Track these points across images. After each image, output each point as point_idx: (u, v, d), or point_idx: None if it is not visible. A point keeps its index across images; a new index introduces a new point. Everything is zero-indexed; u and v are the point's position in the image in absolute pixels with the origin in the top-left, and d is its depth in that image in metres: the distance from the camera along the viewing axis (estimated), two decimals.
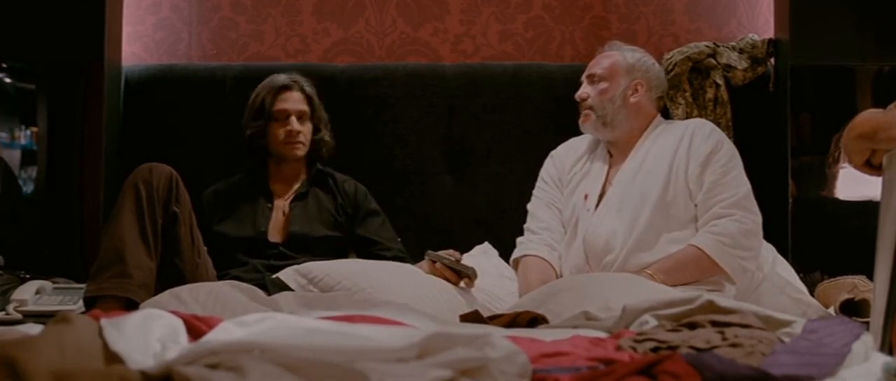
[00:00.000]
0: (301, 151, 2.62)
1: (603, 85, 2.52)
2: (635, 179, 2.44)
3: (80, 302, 2.34)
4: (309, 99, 2.66)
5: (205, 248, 2.40)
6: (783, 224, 2.81)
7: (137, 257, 2.19)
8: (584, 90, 2.56)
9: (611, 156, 2.56)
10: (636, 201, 2.40)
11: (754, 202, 2.39)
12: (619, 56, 2.57)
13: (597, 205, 2.47)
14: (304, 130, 2.63)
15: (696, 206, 2.40)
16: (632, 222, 2.38)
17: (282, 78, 2.66)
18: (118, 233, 2.21)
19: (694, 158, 2.40)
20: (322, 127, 2.70)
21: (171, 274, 2.25)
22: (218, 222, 2.57)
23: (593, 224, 2.43)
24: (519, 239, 2.60)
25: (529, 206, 2.64)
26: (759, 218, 2.38)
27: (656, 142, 2.49)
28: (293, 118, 2.60)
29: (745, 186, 2.40)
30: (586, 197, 2.50)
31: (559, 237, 2.54)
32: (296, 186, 2.66)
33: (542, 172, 2.66)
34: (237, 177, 2.71)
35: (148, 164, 2.30)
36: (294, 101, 2.63)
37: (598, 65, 2.57)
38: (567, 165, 2.61)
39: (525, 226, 2.61)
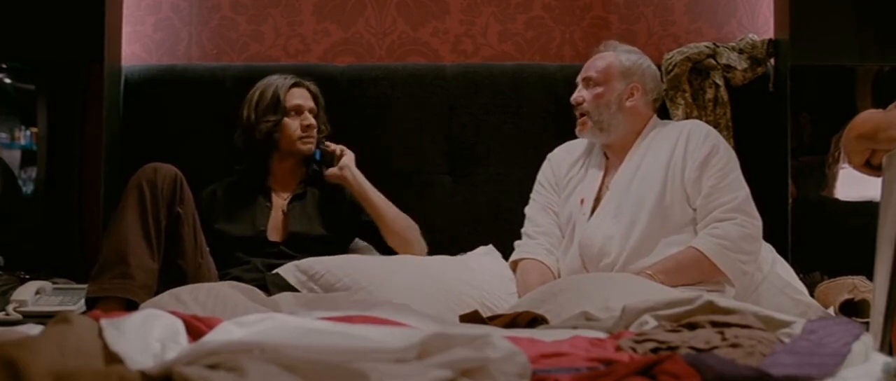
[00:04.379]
0: (312, 146, 2.64)
1: (598, 89, 2.51)
2: (631, 183, 2.43)
3: (81, 302, 2.34)
4: (315, 98, 2.70)
5: (207, 248, 2.40)
6: (783, 224, 2.81)
7: (140, 258, 2.19)
8: (580, 94, 2.54)
9: (607, 159, 2.56)
10: (633, 207, 2.39)
11: (754, 206, 2.38)
12: (614, 58, 2.54)
13: (593, 210, 2.46)
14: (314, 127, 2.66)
15: (694, 210, 2.39)
16: (629, 228, 2.37)
17: (288, 77, 2.67)
18: (121, 233, 2.21)
19: (690, 161, 2.39)
20: (323, 127, 2.72)
21: (173, 275, 2.25)
22: (216, 222, 2.57)
23: (589, 230, 2.43)
24: (517, 243, 2.59)
25: (527, 210, 2.64)
26: (759, 222, 2.37)
27: (652, 145, 2.48)
28: (307, 113, 2.63)
29: (744, 189, 2.39)
30: (582, 202, 2.49)
31: (557, 242, 2.54)
32: (294, 186, 2.67)
33: (539, 176, 2.66)
34: (234, 177, 2.71)
35: (152, 164, 2.30)
36: (306, 98, 2.67)
37: (593, 67, 2.54)
38: (563, 168, 2.60)
39: (523, 230, 2.61)
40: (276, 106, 2.60)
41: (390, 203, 2.62)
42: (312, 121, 2.63)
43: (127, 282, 2.16)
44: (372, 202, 2.60)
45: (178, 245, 2.29)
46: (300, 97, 2.65)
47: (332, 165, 2.64)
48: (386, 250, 2.65)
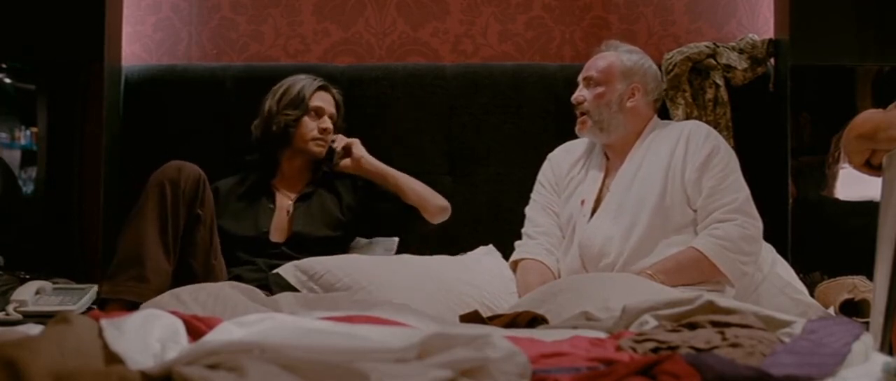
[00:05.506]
0: (323, 150, 2.65)
1: (599, 89, 2.51)
2: (632, 184, 2.43)
3: (81, 302, 2.35)
4: (338, 106, 2.73)
5: (220, 249, 2.40)
6: (783, 224, 2.80)
7: (156, 261, 2.20)
8: (580, 93, 2.54)
9: (607, 159, 2.55)
10: (633, 208, 2.39)
11: (754, 207, 2.38)
12: (615, 58, 2.54)
13: (593, 211, 2.46)
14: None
15: (694, 211, 2.39)
16: (629, 229, 2.37)
17: (316, 79, 2.70)
18: (139, 232, 2.21)
19: (691, 162, 2.39)
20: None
21: (184, 273, 2.25)
22: (219, 218, 2.56)
23: (589, 230, 2.42)
24: (517, 243, 2.59)
25: (527, 210, 2.64)
26: (759, 223, 2.37)
27: (652, 146, 2.48)
28: (327, 117, 2.66)
29: (744, 190, 2.39)
30: (583, 203, 2.49)
31: (557, 242, 2.54)
32: (301, 187, 2.67)
33: (540, 176, 2.65)
34: (238, 175, 2.71)
35: (177, 162, 2.31)
36: (329, 102, 2.70)
37: (595, 67, 2.54)
38: (564, 168, 2.60)
39: (523, 230, 2.61)
40: (299, 103, 2.63)
41: (406, 175, 2.68)
42: (329, 126, 2.66)
43: (142, 286, 2.16)
44: (392, 181, 2.65)
45: (192, 246, 2.29)
46: (324, 101, 2.68)
47: (343, 158, 2.66)
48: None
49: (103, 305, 2.21)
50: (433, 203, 2.64)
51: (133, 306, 2.11)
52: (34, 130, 2.92)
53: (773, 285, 2.45)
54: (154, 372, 1.02)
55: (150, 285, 2.16)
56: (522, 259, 2.52)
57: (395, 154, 2.95)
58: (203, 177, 2.31)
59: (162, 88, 3.00)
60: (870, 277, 1.75)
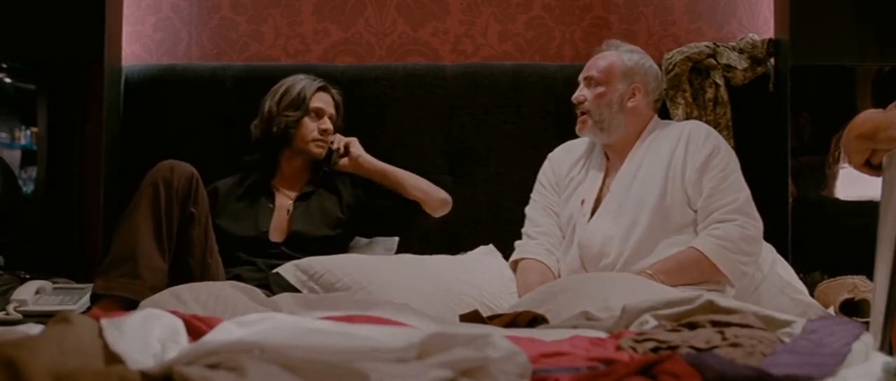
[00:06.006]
0: (323, 151, 2.65)
1: (600, 89, 2.50)
2: (632, 184, 2.43)
3: (81, 301, 2.35)
4: (337, 106, 2.73)
5: (216, 247, 2.40)
6: (783, 224, 2.80)
7: (150, 259, 2.20)
8: (581, 93, 2.54)
9: (607, 159, 2.55)
10: (634, 208, 2.38)
11: (754, 207, 2.38)
12: (616, 58, 2.54)
13: (593, 211, 2.46)
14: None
15: (694, 211, 2.39)
16: (629, 229, 2.37)
17: (316, 79, 2.70)
18: (132, 231, 2.21)
19: (691, 163, 2.39)
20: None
21: (181, 273, 2.26)
22: (218, 218, 2.57)
23: (589, 231, 2.42)
24: (517, 243, 2.59)
25: (527, 210, 2.63)
26: (760, 224, 2.37)
27: (652, 146, 2.47)
28: (327, 118, 2.67)
29: (744, 190, 2.39)
30: (583, 203, 2.49)
31: (557, 242, 2.54)
32: (300, 186, 2.68)
33: (540, 176, 2.65)
34: (238, 175, 2.71)
35: (169, 161, 2.31)
36: (329, 103, 2.70)
37: (595, 66, 2.54)
38: (564, 168, 2.60)
39: (523, 230, 2.61)
40: (300, 104, 2.63)
41: (404, 171, 2.68)
42: (330, 126, 2.66)
43: (135, 282, 2.16)
44: (392, 177, 2.65)
45: (187, 244, 2.29)
46: (324, 102, 2.68)
47: (341, 157, 2.66)
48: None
49: (95, 301, 2.21)
50: (434, 196, 2.65)
51: (127, 304, 2.11)
52: (34, 130, 2.93)
53: (773, 285, 2.45)
54: (154, 372, 1.02)
55: (144, 282, 2.16)
56: (522, 259, 2.52)
57: (395, 154, 2.95)
58: (196, 175, 2.31)
59: (162, 88, 3.00)
60: (870, 277, 1.75)
